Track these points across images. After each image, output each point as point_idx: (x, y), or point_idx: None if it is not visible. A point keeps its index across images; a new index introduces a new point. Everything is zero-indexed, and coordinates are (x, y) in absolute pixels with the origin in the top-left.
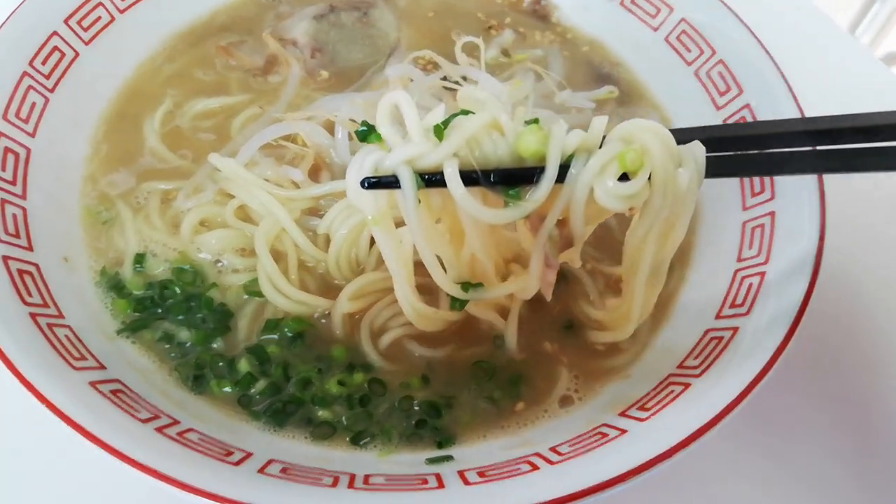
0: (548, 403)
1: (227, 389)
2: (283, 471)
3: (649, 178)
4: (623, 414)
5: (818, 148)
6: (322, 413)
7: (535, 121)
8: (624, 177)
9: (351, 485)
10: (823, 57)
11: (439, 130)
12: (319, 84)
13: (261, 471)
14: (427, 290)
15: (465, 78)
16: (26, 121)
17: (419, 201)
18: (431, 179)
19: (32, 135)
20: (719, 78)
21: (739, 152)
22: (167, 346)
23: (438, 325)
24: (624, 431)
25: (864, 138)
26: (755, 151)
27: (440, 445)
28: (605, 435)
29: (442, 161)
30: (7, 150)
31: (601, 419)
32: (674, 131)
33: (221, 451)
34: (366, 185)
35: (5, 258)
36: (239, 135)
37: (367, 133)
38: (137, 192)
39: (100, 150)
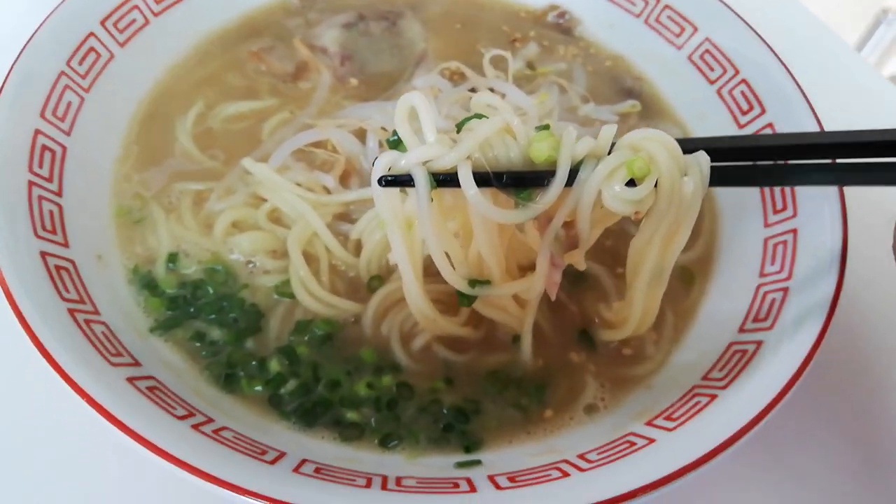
0: (573, 411)
1: (258, 389)
2: (317, 471)
3: (655, 185)
4: (650, 423)
5: (837, 161)
6: (351, 415)
7: (547, 126)
8: (631, 183)
9: (384, 486)
10: (835, 74)
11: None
12: (349, 91)
13: (296, 470)
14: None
15: (492, 90)
16: (62, 119)
17: (431, 200)
18: (445, 180)
19: (68, 133)
20: (742, 97)
21: (756, 163)
22: (199, 344)
23: (447, 330)
24: (652, 441)
25: (880, 153)
26: (771, 162)
27: (467, 450)
28: (633, 444)
29: (456, 163)
30: (44, 147)
31: (628, 428)
32: (689, 140)
33: (256, 449)
34: (383, 183)
35: (43, 254)
36: (270, 139)
37: (397, 143)
38: (170, 192)
39: (132, 150)
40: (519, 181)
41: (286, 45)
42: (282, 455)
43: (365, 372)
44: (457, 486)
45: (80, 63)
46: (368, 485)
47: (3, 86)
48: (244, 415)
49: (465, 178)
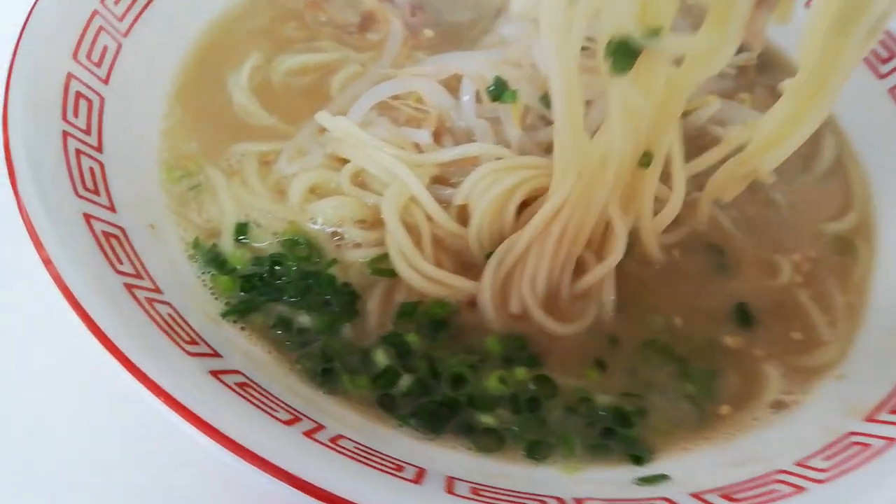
0: (755, 408)
1: (364, 387)
2: (475, 492)
3: None
4: (872, 419)
5: None
6: (484, 418)
7: None
8: None
9: None
10: None
11: None
12: (423, 43)
13: (450, 491)
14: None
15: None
16: (98, 65)
17: None
18: None
19: (105, 81)
20: (879, 44)
21: None
22: (283, 332)
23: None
24: (892, 440)
25: None
26: None
27: (637, 460)
28: (865, 445)
29: None
30: (79, 94)
31: (843, 427)
32: None
33: (389, 464)
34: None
35: (87, 217)
36: (341, 94)
37: (500, 91)
38: (228, 154)
39: (178, 107)
40: None
41: None
42: (422, 472)
43: (493, 364)
44: None
45: (116, 3)
46: None
47: (28, 18)
48: (351, 419)
49: None
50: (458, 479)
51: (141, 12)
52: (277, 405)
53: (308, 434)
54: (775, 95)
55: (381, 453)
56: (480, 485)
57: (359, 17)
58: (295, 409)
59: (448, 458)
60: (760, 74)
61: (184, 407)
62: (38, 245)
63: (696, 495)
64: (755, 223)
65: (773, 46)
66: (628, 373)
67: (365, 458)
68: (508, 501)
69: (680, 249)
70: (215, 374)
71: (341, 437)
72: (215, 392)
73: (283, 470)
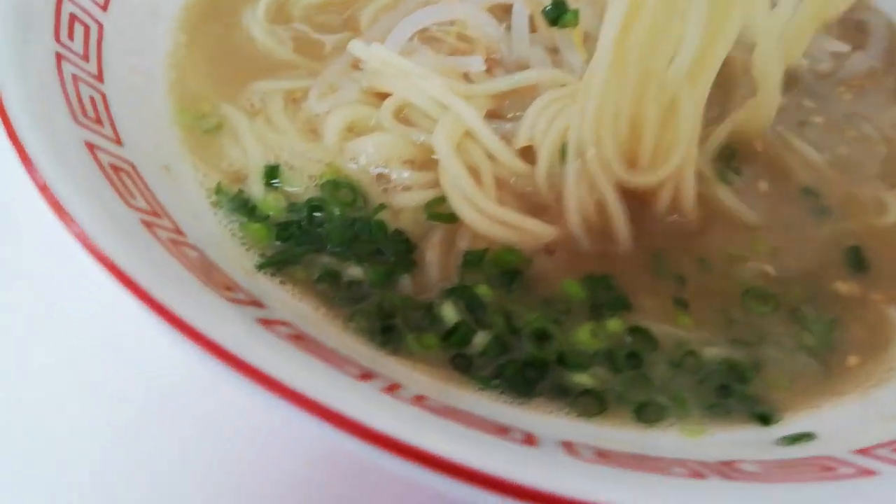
0: (890, 357)
1: (433, 346)
2: (601, 455)
3: None
4: None
5: None
6: (579, 378)
7: None
8: None
9: (725, 474)
10: None
11: None
12: None
13: (572, 453)
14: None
15: None
16: None
17: None
18: None
19: (104, 7)
20: None
21: None
22: (331, 286)
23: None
24: None
25: None
26: None
27: (764, 420)
28: None
29: None
30: (74, 17)
31: None
32: None
33: (488, 426)
34: None
35: (90, 146)
36: (373, 27)
37: (559, 12)
38: (248, 94)
39: (185, 43)
40: None
41: None
42: (530, 437)
43: (579, 315)
44: (830, 469)
45: None
46: (696, 475)
47: None
48: (420, 381)
49: None
50: (577, 443)
51: None
52: (342, 359)
53: (388, 390)
54: (848, 26)
55: (477, 415)
56: (608, 451)
57: None
58: (363, 365)
59: (544, 423)
60: None
61: (237, 357)
62: (31, 169)
63: (862, 451)
64: (849, 162)
65: None
66: (727, 323)
67: (461, 420)
68: (646, 469)
69: (767, 193)
70: (265, 322)
71: (424, 397)
72: (270, 343)
73: (370, 430)
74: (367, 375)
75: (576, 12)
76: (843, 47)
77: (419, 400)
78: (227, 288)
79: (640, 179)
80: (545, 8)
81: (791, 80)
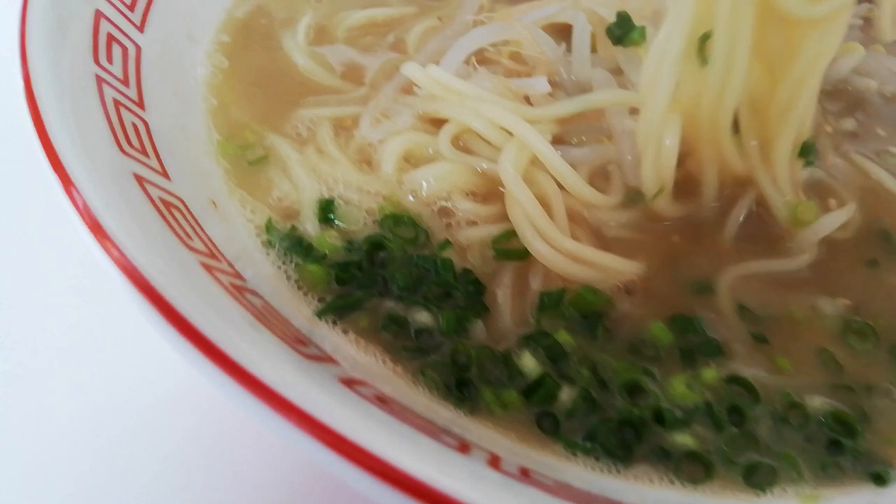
0: None
1: (514, 404)
2: None
3: None
4: None
5: None
6: (681, 438)
7: None
8: None
9: None
10: None
11: None
12: None
13: None
14: None
15: None
16: (131, 8)
17: None
18: None
19: (140, 29)
20: None
21: None
22: (398, 335)
23: None
24: None
25: None
26: None
27: (879, 480)
28: None
29: None
30: (112, 38)
31: None
32: None
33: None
34: None
35: (139, 178)
36: (421, 51)
37: (625, 29)
38: (294, 122)
39: (224, 68)
40: None
41: None
42: None
43: (671, 364)
44: None
45: None
46: None
47: None
48: (503, 445)
49: None
50: None
51: None
52: (434, 427)
53: (492, 465)
54: None
55: (580, 489)
56: None
57: None
58: (447, 430)
59: (647, 493)
60: None
61: (334, 432)
62: (79, 204)
63: None
64: None
65: None
66: (822, 365)
67: (575, 500)
68: None
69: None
70: (347, 383)
71: (527, 469)
72: (362, 410)
73: None
74: (465, 447)
75: (643, 29)
76: None
77: (525, 474)
78: (299, 341)
79: None
80: (609, 26)
81: (858, 103)
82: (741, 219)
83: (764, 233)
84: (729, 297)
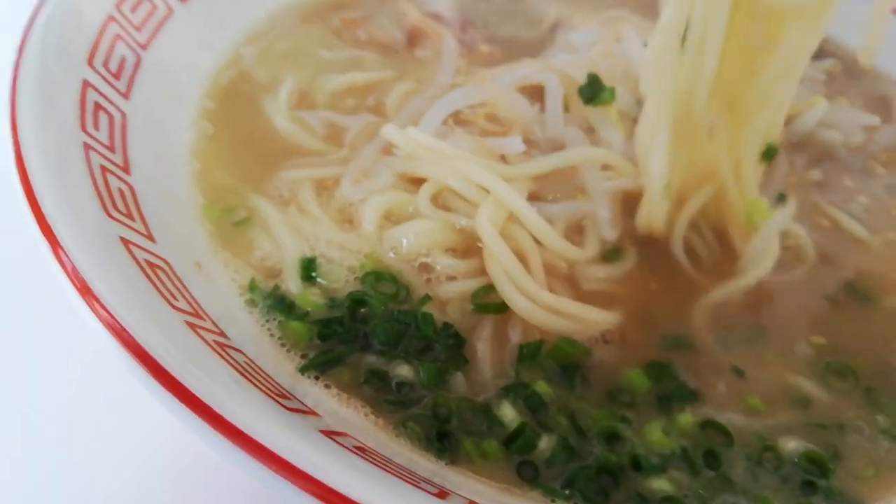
0: None
1: (495, 454)
2: None
3: None
4: None
5: None
6: (657, 484)
7: None
8: None
9: None
10: None
11: None
12: (482, 59)
13: None
14: None
15: None
16: (117, 76)
17: None
18: None
19: (126, 96)
20: None
21: None
22: (379, 389)
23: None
24: None
25: None
26: None
27: None
28: None
29: None
30: (98, 106)
31: None
32: None
33: None
34: None
35: (125, 241)
36: (401, 113)
37: (595, 90)
38: (276, 183)
39: (208, 133)
40: None
41: (383, 13)
42: None
43: (646, 410)
44: None
45: (133, 10)
46: None
47: (34, 14)
48: (485, 493)
49: None
50: None
51: (161, 24)
52: (414, 475)
53: None
54: (870, 100)
55: None
56: None
57: (403, 33)
58: (433, 482)
59: None
60: (848, 80)
61: (307, 475)
62: (67, 267)
63: None
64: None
65: (851, 54)
66: (795, 403)
67: None
68: None
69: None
70: (328, 434)
71: None
72: (345, 460)
73: None
74: (443, 494)
75: (612, 90)
76: (873, 120)
77: None
78: (282, 395)
79: None
80: (580, 87)
81: (825, 155)
82: (697, 248)
83: (722, 258)
84: (705, 331)
